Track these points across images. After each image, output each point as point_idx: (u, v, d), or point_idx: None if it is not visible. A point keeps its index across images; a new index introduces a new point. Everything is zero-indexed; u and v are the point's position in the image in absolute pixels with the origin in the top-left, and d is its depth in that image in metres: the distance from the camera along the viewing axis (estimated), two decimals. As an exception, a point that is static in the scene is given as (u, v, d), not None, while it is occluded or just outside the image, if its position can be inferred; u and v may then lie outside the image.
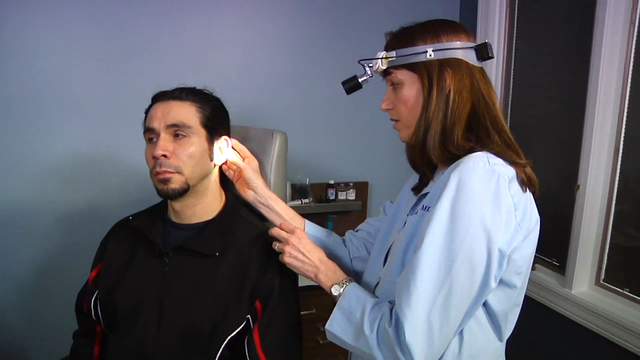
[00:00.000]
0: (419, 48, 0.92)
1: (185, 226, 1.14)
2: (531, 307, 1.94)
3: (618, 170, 1.68)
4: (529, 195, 0.89)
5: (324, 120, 2.33)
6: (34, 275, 1.97)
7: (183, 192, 1.06)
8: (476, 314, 0.88)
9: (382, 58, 0.97)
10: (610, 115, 1.66)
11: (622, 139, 1.65)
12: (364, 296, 0.92)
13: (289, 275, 1.11)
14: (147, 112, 1.11)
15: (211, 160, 1.12)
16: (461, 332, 0.88)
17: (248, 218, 1.18)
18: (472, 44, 0.94)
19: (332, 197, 2.34)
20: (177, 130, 1.05)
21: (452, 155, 0.90)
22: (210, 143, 1.11)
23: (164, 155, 1.03)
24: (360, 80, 1.04)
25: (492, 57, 0.95)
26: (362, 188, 2.42)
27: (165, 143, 1.04)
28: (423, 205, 0.92)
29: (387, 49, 0.98)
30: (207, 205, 1.14)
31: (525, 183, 0.87)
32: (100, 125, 1.96)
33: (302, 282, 1.11)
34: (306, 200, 2.26)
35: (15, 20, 1.79)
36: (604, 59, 1.62)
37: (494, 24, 2.15)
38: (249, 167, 1.17)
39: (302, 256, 1.01)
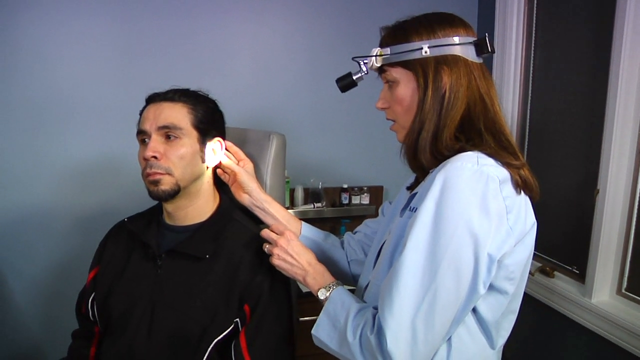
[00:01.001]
0: (414, 44, 0.88)
1: (178, 228, 1.13)
2: (549, 316, 1.87)
3: (640, 174, 1.59)
4: (523, 197, 0.84)
5: (338, 123, 2.31)
6: (51, 276, 2.02)
7: (174, 193, 1.05)
8: (465, 321, 0.84)
9: (376, 55, 0.94)
10: (632, 117, 1.58)
11: (644, 140, 1.57)
12: (349, 301, 0.89)
13: (281, 279, 1.08)
14: (141, 113, 1.11)
15: (203, 162, 1.11)
16: (450, 340, 0.84)
17: (242, 221, 1.16)
18: (471, 39, 0.90)
19: (346, 202, 2.30)
20: (168, 132, 1.05)
21: (444, 157, 0.86)
22: (202, 145, 1.10)
23: (155, 157, 1.03)
24: (354, 77, 1.02)
25: (493, 52, 0.91)
26: (376, 192, 2.38)
27: (155, 144, 1.04)
28: (411, 207, 0.88)
29: (382, 45, 0.94)
30: (200, 207, 1.13)
31: (519, 185, 0.83)
32: (116, 129, 2.00)
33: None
34: (319, 205, 2.23)
35: (34, 26, 1.85)
36: (624, 58, 1.55)
37: (512, 26, 2.10)
38: (243, 170, 1.15)
39: (290, 258, 0.99)
